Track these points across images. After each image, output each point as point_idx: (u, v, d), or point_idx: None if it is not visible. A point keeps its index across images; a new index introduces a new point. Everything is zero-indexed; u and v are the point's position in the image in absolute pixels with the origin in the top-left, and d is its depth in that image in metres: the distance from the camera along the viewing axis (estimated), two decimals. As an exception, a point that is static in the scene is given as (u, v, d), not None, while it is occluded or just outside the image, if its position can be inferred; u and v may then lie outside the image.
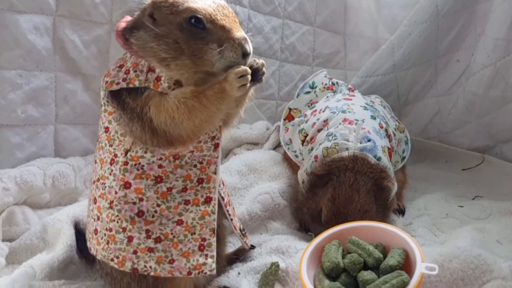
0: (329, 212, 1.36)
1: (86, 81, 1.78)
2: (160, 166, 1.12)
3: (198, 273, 1.14)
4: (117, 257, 1.12)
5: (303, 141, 1.63)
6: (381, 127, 1.55)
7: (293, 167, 1.71)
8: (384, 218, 1.41)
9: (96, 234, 1.17)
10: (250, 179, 1.71)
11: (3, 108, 1.62)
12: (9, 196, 1.54)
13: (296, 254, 1.33)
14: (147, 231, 1.12)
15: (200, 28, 1.05)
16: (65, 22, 1.69)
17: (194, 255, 1.13)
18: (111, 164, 1.13)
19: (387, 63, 1.94)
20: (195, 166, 1.15)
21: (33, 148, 1.69)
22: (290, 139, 1.71)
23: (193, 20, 1.05)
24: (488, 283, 1.14)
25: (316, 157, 1.49)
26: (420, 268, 1.02)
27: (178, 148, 1.12)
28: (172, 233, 1.12)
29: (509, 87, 1.73)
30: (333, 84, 1.78)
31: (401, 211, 1.61)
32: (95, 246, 1.17)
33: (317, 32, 2.21)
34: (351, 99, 1.65)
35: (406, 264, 1.06)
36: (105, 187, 1.14)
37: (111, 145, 1.14)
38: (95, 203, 1.17)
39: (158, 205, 1.12)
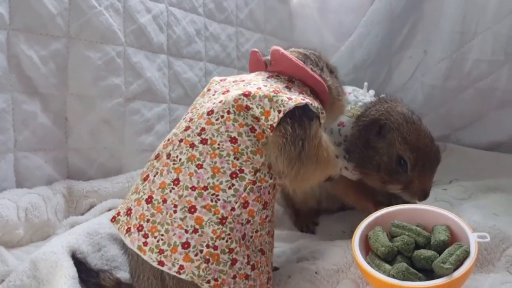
0: (411, 153, 1.29)
1: (45, 102, 1.59)
2: (269, 193, 1.09)
3: None
4: (216, 280, 1.00)
5: None
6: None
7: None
8: None
9: (185, 248, 1.00)
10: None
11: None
12: (-18, 236, 1.31)
13: (322, 257, 1.29)
14: (248, 256, 1.05)
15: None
16: (20, 37, 1.51)
17: None
18: (232, 177, 1.04)
19: (349, 64, 2.00)
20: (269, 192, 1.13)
21: (-7, 180, 1.46)
22: None
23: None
24: (508, 249, 1.21)
25: (342, 124, 1.42)
26: (473, 238, 1.04)
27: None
28: (260, 262, 1.07)
29: (464, 77, 1.86)
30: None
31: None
32: (178, 261, 0.99)
33: (268, 40, 2.23)
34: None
35: (452, 238, 1.09)
36: (218, 199, 1.03)
37: (236, 158, 1.06)
38: (192, 212, 1.02)
39: (256, 231, 1.07)
